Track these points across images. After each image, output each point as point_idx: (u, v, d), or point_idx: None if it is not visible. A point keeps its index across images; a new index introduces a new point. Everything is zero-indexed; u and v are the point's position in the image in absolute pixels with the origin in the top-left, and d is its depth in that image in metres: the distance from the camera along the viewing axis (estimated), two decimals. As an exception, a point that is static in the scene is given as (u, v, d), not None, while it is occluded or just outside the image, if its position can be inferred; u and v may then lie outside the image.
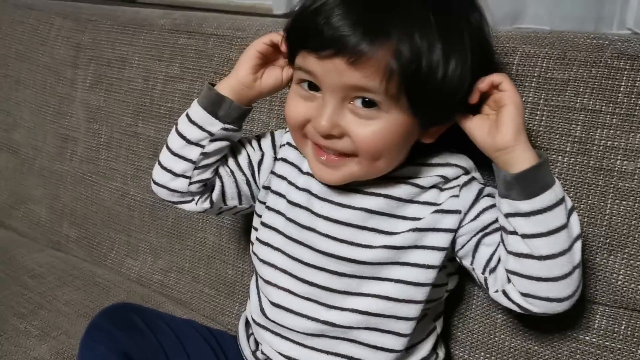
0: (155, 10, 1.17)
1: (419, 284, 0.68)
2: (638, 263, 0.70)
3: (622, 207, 0.71)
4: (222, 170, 0.76)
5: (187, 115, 0.73)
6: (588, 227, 0.72)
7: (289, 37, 0.67)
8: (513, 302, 0.66)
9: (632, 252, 0.71)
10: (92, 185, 1.18)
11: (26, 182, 1.29)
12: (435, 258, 0.68)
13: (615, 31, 1.01)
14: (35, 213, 1.27)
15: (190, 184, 0.74)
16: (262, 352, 0.77)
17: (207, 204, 0.76)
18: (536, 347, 0.76)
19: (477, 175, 0.71)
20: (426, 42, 0.58)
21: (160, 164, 0.75)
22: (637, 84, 0.69)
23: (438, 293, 0.73)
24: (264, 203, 0.75)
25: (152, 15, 1.12)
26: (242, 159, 0.76)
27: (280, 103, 0.94)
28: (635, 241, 0.70)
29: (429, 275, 0.68)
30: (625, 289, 0.71)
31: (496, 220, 0.67)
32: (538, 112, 0.74)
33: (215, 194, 0.76)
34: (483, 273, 0.68)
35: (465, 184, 0.69)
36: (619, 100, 0.70)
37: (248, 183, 0.77)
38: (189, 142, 0.73)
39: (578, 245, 0.63)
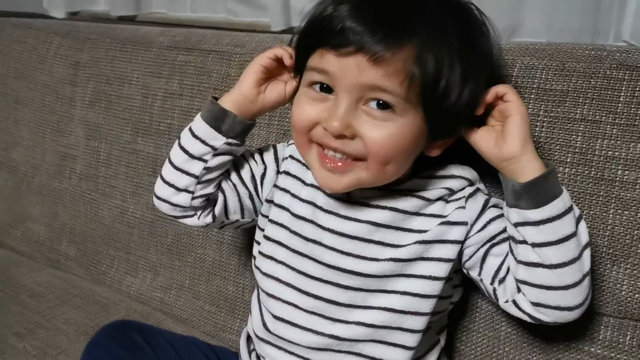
0: (155, 28, 1.18)
1: (425, 295, 0.68)
2: (642, 273, 0.70)
3: (624, 217, 0.71)
4: (225, 185, 0.76)
5: (190, 130, 0.73)
6: (591, 238, 0.72)
7: (305, 37, 0.67)
8: (523, 311, 0.66)
9: (636, 262, 0.71)
10: (91, 202, 1.17)
11: (25, 201, 1.28)
12: (442, 269, 0.68)
13: (612, 43, 1.02)
14: (34, 232, 1.27)
15: (193, 198, 0.74)
16: (265, 368, 0.76)
17: (209, 219, 0.76)
18: (541, 360, 0.76)
19: (481, 186, 0.71)
20: (448, 60, 0.60)
21: (162, 178, 0.75)
22: (636, 94, 0.70)
23: (443, 305, 0.73)
24: (266, 216, 0.75)
25: (151, 33, 1.13)
26: (245, 172, 0.76)
27: (279, 118, 0.94)
28: (639, 251, 0.70)
29: (435, 287, 0.68)
30: (629, 299, 0.71)
31: (503, 231, 0.67)
32: (538, 124, 0.74)
33: (218, 209, 0.75)
34: (492, 284, 0.68)
35: (471, 195, 0.69)
36: (618, 110, 0.71)
37: (251, 197, 0.76)
38: (192, 156, 0.73)
39: (587, 253, 0.63)
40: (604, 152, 0.72)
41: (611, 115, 0.71)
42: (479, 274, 0.69)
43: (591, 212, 0.72)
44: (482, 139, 0.65)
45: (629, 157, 0.70)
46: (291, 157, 0.75)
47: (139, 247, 1.10)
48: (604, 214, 0.72)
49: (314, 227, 0.70)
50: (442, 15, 0.62)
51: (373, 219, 0.68)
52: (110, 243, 1.15)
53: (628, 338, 0.72)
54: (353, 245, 0.69)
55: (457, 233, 0.68)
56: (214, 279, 1.01)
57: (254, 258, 0.77)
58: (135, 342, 0.79)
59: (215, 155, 0.72)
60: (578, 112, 0.73)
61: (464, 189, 0.70)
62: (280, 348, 0.73)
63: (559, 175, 0.73)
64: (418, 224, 0.69)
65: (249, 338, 0.81)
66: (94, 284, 1.15)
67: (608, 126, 0.71)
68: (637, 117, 0.70)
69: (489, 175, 0.68)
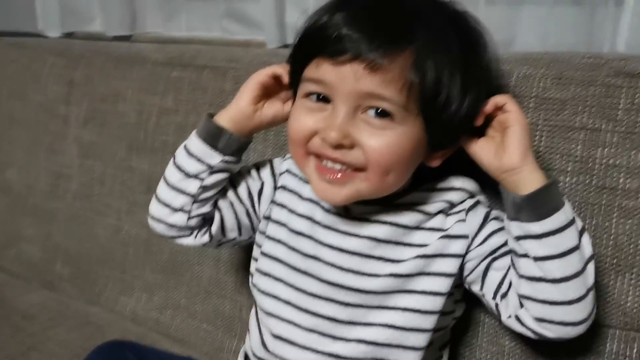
0: (148, 45, 1.18)
1: (427, 311, 0.66)
2: (647, 283, 0.69)
3: (627, 226, 0.70)
4: (222, 203, 0.74)
5: (186, 148, 0.72)
6: (594, 248, 0.71)
7: (300, 48, 0.66)
8: (527, 327, 0.64)
9: (641, 272, 0.69)
10: (85, 221, 1.16)
11: (19, 222, 1.28)
12: (443, 284, 0.67)
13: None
14: (27, 253, 1.25)
15: (189, 218, 0.72)
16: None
17: (206, 238, 0.74)
18: (546, 374, 0.74)
19: (482, 198, 0.70)
20: (448, 69, 0.60)
21: (157, 198, 0.73)
22: (636, 101, 0.69)
23: (445, 321, 0.71)
24: (263, 233, 0.74)
25: (145, 50, 1.13)
26: (242, 190, 0.75)
27: (276, 133, 0.93)
28: (643, 260, 0.69)
29: (436, 303, 0.67)
30: (635, 310, 0.70)
31: (505, 244, 0.66)
32: (537, 133, 0.74)
33: (215, 227, 0.74)
34: (494, 299, 0.67)
35: (471, 207, 0.68)
36: (618, 118, 0.70)
37: (248, 214, 0.75)
38: (187, 175, 0.71)
39: (591, 266, 0.62)
40: (604, 160, 0.71)
41: (611, 123, 0.70)
42: (481, 289, 0.68)
43: (593, 221, 0.71)
44: (482, 150, 0.65)
45: (630, 164, 0.69)
46: (288, 171, 0.74)
47: (134, 266, 1.09)
48: (606, 223, 0.71)
49: (312, 242, 0.69)
50: (440, 22, 0.61)
51: (373, 234, 0.67)
52: (105, 262, 1.13)
53: (635, 351, 0.70)
54: (353, 261, 0.67)
55: (457, 247, 0.67)
56: (210, 297, 1.00)
57: (252, 275, 0.76)
58: (131, 362, 0.78)
59: (211, 173, 0.71)
60: (577, 120, 0.72)
61: (464, 201, 0.68)
62: (279, 367, 0.71)
63: (560, 184, 0.72)
64: (418, 238, 0.67)
65: (246, 358, 0.79)
66: (89, 304, 1.14)
67: (608, 134, 0.70)
68: (638, 125, 0.69)
69: (489, 185, 0.67)
